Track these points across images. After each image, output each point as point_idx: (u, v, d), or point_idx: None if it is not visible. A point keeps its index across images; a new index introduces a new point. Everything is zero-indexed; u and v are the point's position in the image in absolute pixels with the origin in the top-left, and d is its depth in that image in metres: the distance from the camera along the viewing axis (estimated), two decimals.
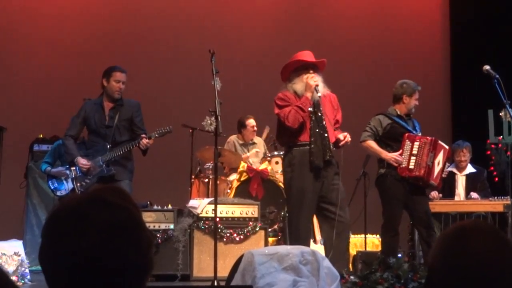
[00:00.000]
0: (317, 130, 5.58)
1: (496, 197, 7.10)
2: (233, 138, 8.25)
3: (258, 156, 7.99)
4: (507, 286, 1.52)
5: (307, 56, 5.79)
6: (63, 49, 9.58)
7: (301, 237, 5.60)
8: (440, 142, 6.26)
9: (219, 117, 5.47)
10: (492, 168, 7.75)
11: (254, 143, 8.27)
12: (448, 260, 1.56)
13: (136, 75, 8.68)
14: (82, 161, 6.10)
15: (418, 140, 6.14)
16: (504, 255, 1.54)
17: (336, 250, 5.52)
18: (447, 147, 6.35)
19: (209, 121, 5.51)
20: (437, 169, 6.17)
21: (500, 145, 7.01)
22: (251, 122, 8.23)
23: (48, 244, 1.37)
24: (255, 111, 8.48)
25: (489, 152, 7.63)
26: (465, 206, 7.19)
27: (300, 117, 5.56)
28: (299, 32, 10.16)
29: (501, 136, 6.29)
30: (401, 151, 6.12)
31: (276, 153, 7.88)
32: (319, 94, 5.59)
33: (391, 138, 6.25)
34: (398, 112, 6.30)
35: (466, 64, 9.52)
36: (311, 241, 6.69)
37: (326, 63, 5.83)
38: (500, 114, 6.21)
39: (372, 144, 6.24)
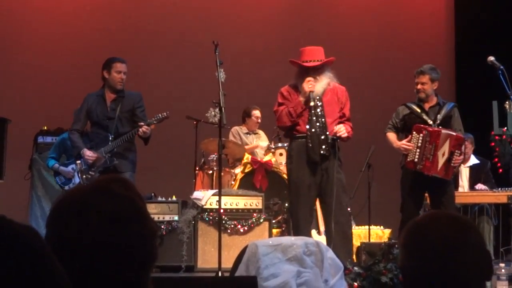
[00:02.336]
0: (316, 124, 5.59)
1: (500, 189, 7.10)
2: (236, 128, 8.27)
3: (263, 143, 8.03)
4: (467, 264, 1.55)
5: (309, 54, 5.73)
6: (67, 41, 9.57)
7: (301, 227, 5.66)
8: (445, 131, 5.96)
9: (223, 108, 5.46)
10: (496, 159, 7.73)
11: (257, 133, 8.31)
12: (409, 248, 1.62)
13: (140, 67, 8.68)
14: (88, 153, 6.10)
15: (423, 132, 5.93)
16: (462, 233, 1.59)
17: (337, 238, 5.54)
18: (453, 133, 5.99)
19: (213, 113, 5.51)
20: (441, 160, 5.91)
21: (504, 136, 6.99)
22: (256, 113, 8.27)
23: (52, 234, 1.37)
24: (259, 102, 8.48)
25: (493, 144, 7.61)
26: (469, 198, 7.18)
27: (288, 121, 5.67)
28: (304, 23, 10.13)
29: (506, 128, 6.27)
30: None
31: (280, 144, 7.89)
32: (311, 103, 5.58)
33: (408, 129, 6.10)
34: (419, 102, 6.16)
35: (471, 55, 9.48)
36: (315, 232, 6.71)
37: (332, 61, 5.75)
38: (505, 105, 6.18)
39: (389, 135, 6.19)
